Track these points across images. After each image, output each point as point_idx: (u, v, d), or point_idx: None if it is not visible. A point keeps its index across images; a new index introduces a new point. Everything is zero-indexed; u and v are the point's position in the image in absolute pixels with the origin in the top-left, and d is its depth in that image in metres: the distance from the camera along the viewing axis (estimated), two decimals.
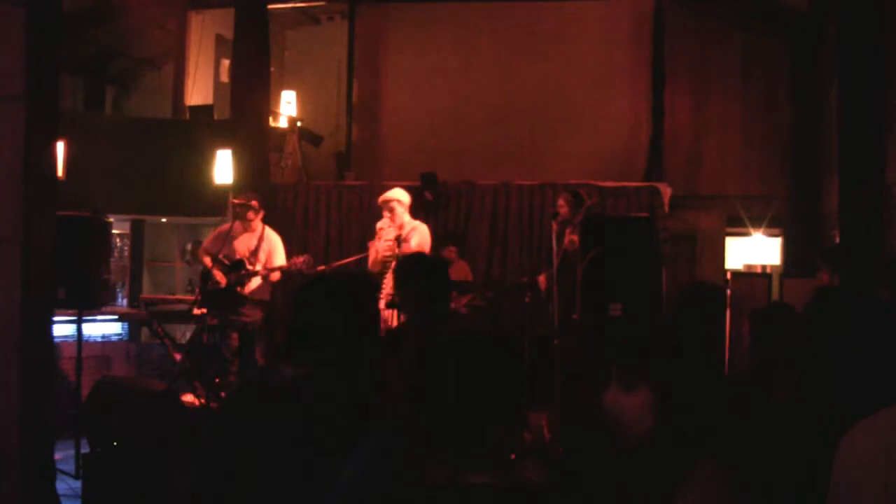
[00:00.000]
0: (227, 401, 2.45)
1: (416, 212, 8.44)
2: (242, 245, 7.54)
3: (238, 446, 2.22)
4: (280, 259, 7.52)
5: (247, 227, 7.57)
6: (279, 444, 2.17)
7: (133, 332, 9.27)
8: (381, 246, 6.98)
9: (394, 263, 6.78)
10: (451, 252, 8.35)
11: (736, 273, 9.50)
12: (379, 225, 7.11)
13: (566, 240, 6.69)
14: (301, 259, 7.36)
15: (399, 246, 6.82)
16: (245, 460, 2.20)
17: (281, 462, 2.16)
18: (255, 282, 7.47)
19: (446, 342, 1.79)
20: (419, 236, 6.89)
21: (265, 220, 7.76)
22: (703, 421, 1.92)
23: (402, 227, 6.95)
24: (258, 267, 7.43)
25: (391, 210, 6.95)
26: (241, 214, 7.56)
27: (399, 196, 7.02)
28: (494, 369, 1.70)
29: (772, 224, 9.96)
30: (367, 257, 7.17)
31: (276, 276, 7.51)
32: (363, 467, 1.78)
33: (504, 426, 1.66)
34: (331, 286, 2.54)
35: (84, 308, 6.24)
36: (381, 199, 7.11)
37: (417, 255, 5.09)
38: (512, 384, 1.71)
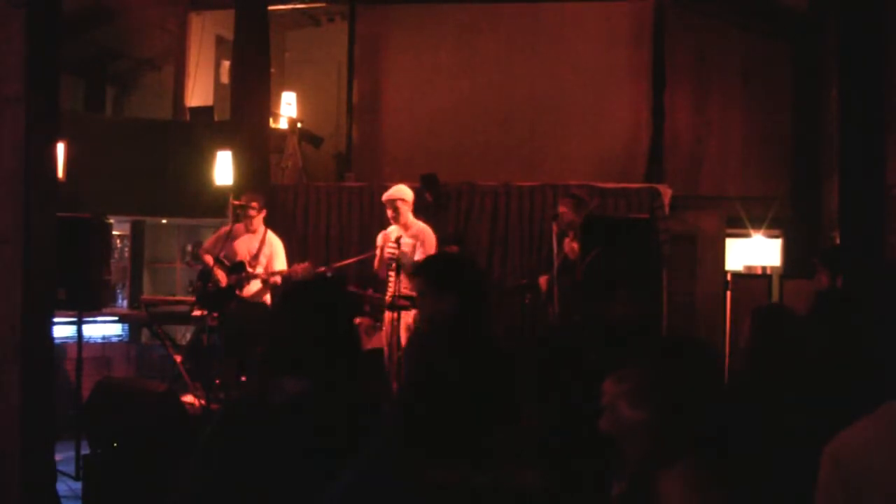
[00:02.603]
0: (225, 415, 2.42)
1: (416, 213, 8.46)
2: (243, 246, 7.52)
3: (236, 464, 2.20)
4: (281, 264, 7.51)
5: (248, 228, 7.55)
6: (281, 461, 2.15)
7: (133, 333, 9.27)
8: (385, 248, 7.01)
9: (394, 264, 6.81)
10: (452, 251, 8.33)
11: (736, 274, 9.51)
12: (387, 231, 7.10)
13: (567, 247, 6.68)
14: (302, 266, 7.34)
15: (399, 246, 6.84)
16: (244, 476, 2.19)
17: (282, 477, 2.15)
18: (255, 285, 7.46)
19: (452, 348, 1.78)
20: (428, 240, 6.93)
21: (266, 222, 7.75)
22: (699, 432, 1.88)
23: (407, 226, 6.98)
24: (259, 270, 7.42)
25: (395, 209, 6.97)
26: (241, 216, 7.56)
27: (403, 195, 7.04)
28: (496, 374, 1.69)
29: (772, 225, 9.96)
30: (371, 258, 7.21)
31: (275, 279, 7.51)
32: (364, 471, 1.78)
33: (505, 427, 1.66)
34: (319, 292, 2.50)
35: (84, 309, 6.24)
36: (385, 196, 7.12)
37: (456, 256, 5.03)
38: (512, 388, 1.71)
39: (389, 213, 7.04)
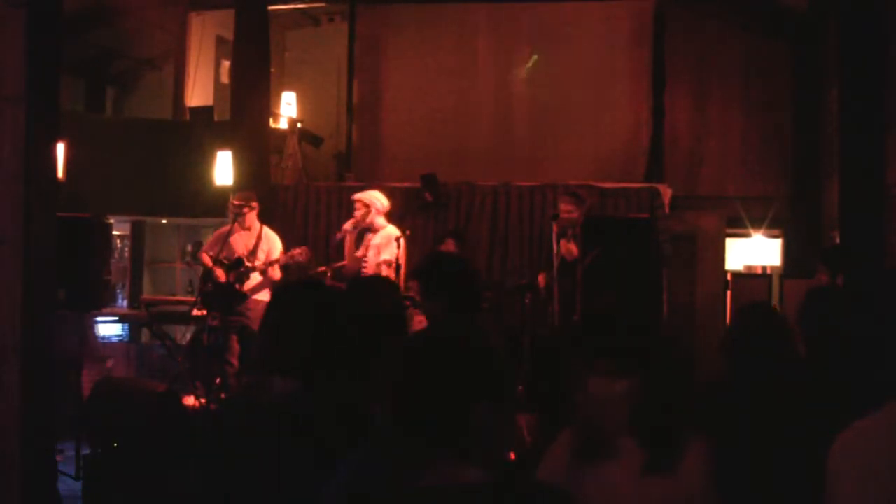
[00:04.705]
0: (220, 417, 2.42)
1: (416, 212, 8.49)
2: (240, 244, 7.55)
3: (233, 464, 2.20)
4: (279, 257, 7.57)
5: (243, 225, 7.58)
6: (275, 460, 2.14)
7: (133, 333, 9.27)
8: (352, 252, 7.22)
9: (393, 264, 6.86)
10: (448, 246, 8.23)
11: (736, 274, 9.51)
12: (347, 226, 7.32)
13: (563, 249, 6.69)
14: (298, 251, 7.40)
15: (399, 247, 6.90)
16: (241, 476, 2.18)
17: (276, 477, 2.14)
18: (255, 279, 7.47)
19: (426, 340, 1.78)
20: (390, 245, 7.06)
21: (264, 221, 7.77)
22: (680, 407, 2.27)
23: (374, 230, 7.18)
24: (257, 264, 7.46)
25: (356, 209, 7.23)
26: (237, 215, 7.59)
27: (365, 197, 7.27)
28: (486, 370, 1.68)
29: (772, 225, 9.96)
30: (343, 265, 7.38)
31: (275, 273, 7.53)
32: (359, 470, 1.78)
33: (492, 415, 1.64)
34: (310, 292, 2.48)
35: (84, 309, 6.24)
36: (355, 196, 7.37)
37: (447, 257, 5.07)
38: (493, 371, 1.69)
39: (355, 213, 7.31)
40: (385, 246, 7.07)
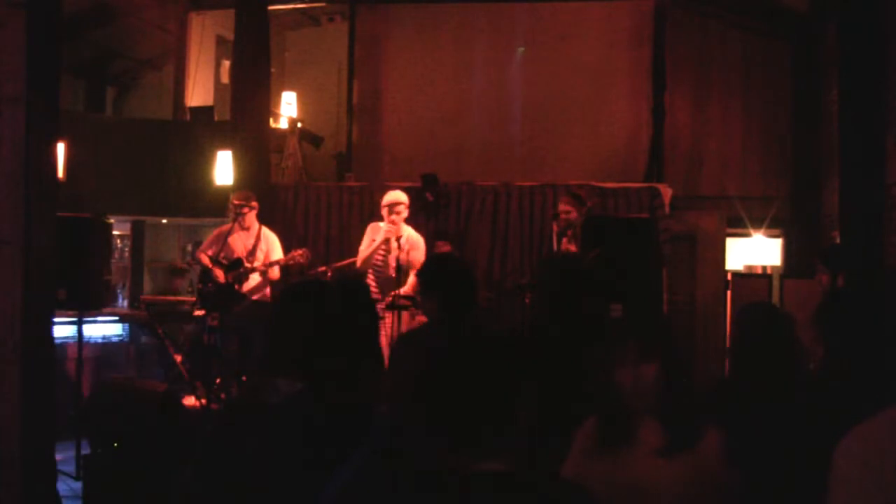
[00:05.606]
0: (221, 419, 2.42)
1: (416, 212, 8.48)
2: (239, 244, 7.55)
3: (233, 465, 2.19)
4: (278, 257, 7.56)
5: (242, 225, 7.58)
6: (276, 461, 2.14)
7: (133, 333, 9.26)
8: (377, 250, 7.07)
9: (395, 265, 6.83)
10: (443, 247, 8.19)
11: (736, 274, 9.50)
12: (386, 228, 7.02)
13: (563, 248, 6.68)
14: (299, 252, 7.40)
15: (401, 249, 6.86)
16: (241, 477, 2.18)
17: (277, 478, 2.14)
18: (254, 280, 7.47)
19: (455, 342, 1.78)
20: (418, 247, 6.97)
21: (264, 221, 7.77)
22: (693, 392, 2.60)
23: (399, 232, 7.02)
24: (256, 265, 7.46)
25: (398, 213, 6.94)
26: (238, 214, 7.58)
27: (405, 199, 7.06)
28: (498, 366, 1.68)
29: (772, 225, 9.96)
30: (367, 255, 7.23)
31: (274, 273, 7.53)
32: (359, 470, 1.78)
33: (506, 418, 1.65)
34: (312, 293, 2.48)
35: (84, 309, 6.24)
36: (388, 201, 7.02)
37: (447, 257, 5.07)
38: (513, 379, 1.70)
39: (392, 217, 6.97)
40: (414, 248, 6.99)
